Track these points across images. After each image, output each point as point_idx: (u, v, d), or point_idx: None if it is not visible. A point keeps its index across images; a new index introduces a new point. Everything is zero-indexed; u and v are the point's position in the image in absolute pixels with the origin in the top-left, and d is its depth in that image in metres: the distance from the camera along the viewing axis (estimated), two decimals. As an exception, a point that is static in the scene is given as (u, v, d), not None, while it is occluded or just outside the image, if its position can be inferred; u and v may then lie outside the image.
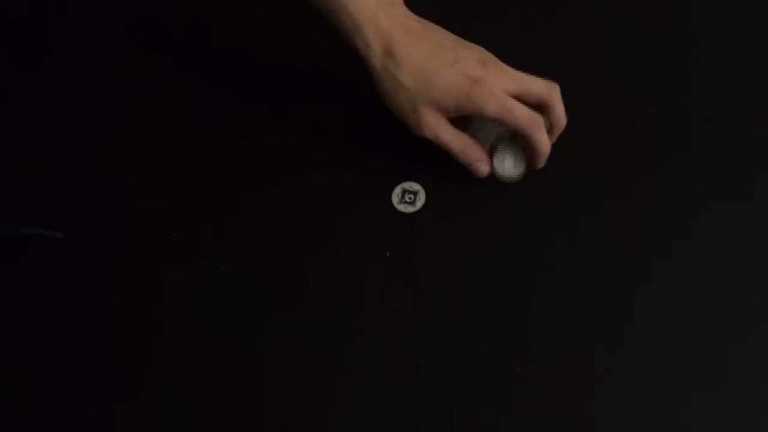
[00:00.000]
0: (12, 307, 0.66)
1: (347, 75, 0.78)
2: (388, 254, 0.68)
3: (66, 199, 0.71)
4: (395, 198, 0.71)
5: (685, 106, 0.77)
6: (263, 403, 0.62)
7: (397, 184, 0.71)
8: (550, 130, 0.69)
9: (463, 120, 0.69)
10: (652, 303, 0.66)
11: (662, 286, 0.67)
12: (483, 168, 0.70)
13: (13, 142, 0.74)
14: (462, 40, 0.70)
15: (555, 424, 0.61)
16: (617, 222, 0.70)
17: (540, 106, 0.68)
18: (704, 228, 0.70)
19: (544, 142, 0.68)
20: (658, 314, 0.66)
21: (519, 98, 0.67)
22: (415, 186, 0.71)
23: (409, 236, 0.69)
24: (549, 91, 0.68)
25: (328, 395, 0.62)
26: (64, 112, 0.76)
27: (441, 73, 0.66)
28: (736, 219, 0.70)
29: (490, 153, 0.70)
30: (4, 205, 0.71)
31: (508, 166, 0.70)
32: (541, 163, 0.70)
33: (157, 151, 0.73)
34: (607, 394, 0.62)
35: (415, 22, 0.69)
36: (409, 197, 0.71)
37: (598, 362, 0.63)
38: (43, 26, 0.82)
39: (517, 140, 0.70)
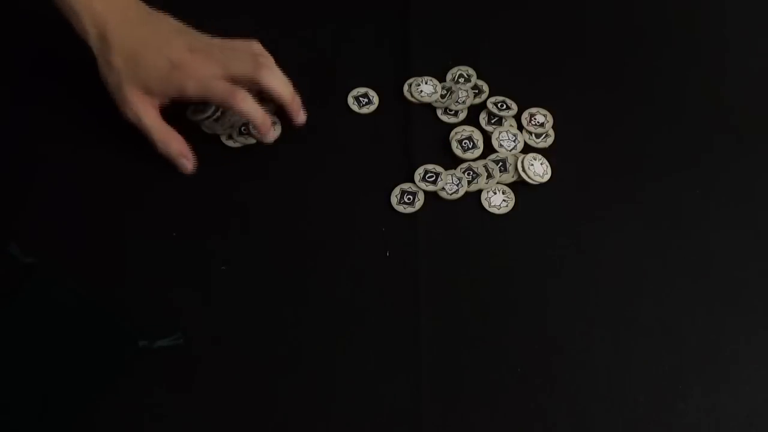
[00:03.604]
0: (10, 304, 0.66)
1: (344, 74, 0.78)
2: (388, 254, 0.68)
3: (66, 198, 0.71)
4: (394, 199, 0.71)
5: (686, 108, 0.78)
6: (263, 403, 0.61)
7: (397, 185, 0.72)
8: (283, 108, 0.72)
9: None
10: (652, 303, 0.66)
11: (662, 287, 0.67)
12: (187, 165, 0.71)
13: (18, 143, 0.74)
14: (184, 29, 0.72)
15: (554, 424, 0.61)
16: (618, 223, 0.70)
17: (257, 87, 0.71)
18: (704, 229, 0.70)
19: (250, 111, 0.69)
20: (658, 314, 0.66)
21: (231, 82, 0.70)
22: (413, 187, 0.71)
23: (409, 236, 0.69)
24: (254, 69, 0.70)
25: (329, 395, 0.62)
26: (61, 112, 0.76)
27: (147, 55, 0.69)
28: (737, 220, 0.71)
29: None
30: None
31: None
32: (265, 132, 0.71)
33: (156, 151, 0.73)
34: (607, 394, 0.62)
35: (136, 11, 0.71)
36: (408, 198, 0.71)
37: (598, 362, 0.63)
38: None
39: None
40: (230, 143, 0.73)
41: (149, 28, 0.71)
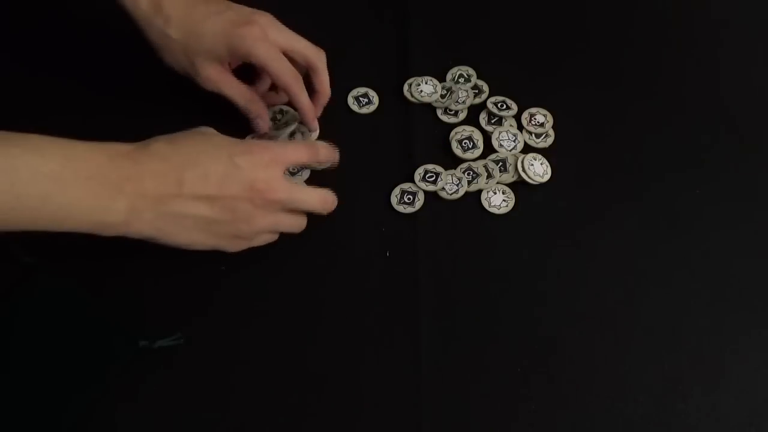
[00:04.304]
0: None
1: (344, 74, 0.78)
2: (388, 254, 0.68)
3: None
4: (394, 199, 0.71)
5: (686, 108, 0.78)
6: (263, 403, 0.61)
7: (397, 185, 0.72)
8: (315, 97, 0.73)
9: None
10: (652, 303, 0.66)
11: (662, 287, 0.67)
12: (262, 124, 0.72)
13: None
14: None
15: (555, 424, 0.61)
16: (618, 223, 0.70)
17: (307, 68, 0.72)
18: (704, 229, 0.70)
19: (306, 101, 0.71)
20: (658, 314, 0.66)
21: (286, 54, 0.70)
22: (413, 187, 0.71)
23: (409, 236, 0.69)
24: (317, 53, 0.72)
25: (328, 394, 0.62)
26: (61, 111, 0.76)
27: (208, 21, 0.67)
28: (737, 220, 0.71)
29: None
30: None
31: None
32: (312, 123, 0.72)
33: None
34: (607, 394, 0.62)
35: None
36: (408, 198, 0.71)
37: (598, 362, 0.63)
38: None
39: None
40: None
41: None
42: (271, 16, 0.71)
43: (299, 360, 0.63)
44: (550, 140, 0.75)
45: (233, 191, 0.60)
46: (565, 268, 0.68)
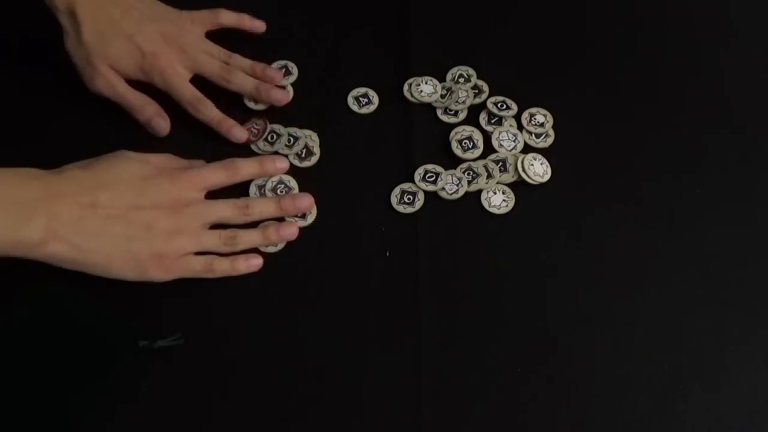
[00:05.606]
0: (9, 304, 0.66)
1: (344, 74, 0.78)
2: (388, 254, 0.68)
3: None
4: (394, 199, 0.71)
5: (686, 108, 0.78)
6: (263, 403, 0.61)
7: (397, 185, 0.72)
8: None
9: None
10: (652, 303, 0.66)
11: (662, 287, 0.67)
12: (163, 123, 0.72)
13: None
14: (159, 11, 0.74)
15: (555, 424, 0.61)
16: (618, 223, 0.70)
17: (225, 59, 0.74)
18: (704, 229, 0.70)
19: (213, 116, 0.72)
20: (658, 314, 0.66)
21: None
22: (413, 187, 0.71)
23: (409, 236, 0.69)
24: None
25: (328, 394, 0.62)
26: (58, 111, 0.76)
27: (116, 40, 0.70)
28: (737, 220, 0.71)
29: None
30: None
31: None
32: (228, 133, 0.72)
33: (156, 149, 0.73)
34: (607, 394, 0.62)
35: None
36: (408, 198, 0.71)
37: (598, 362, 0.64)
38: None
39: None
40: (251, 105, 0.75)
41: (121, 8, 0.71)
42: (184, 37, 0.72)
43: (299, 360, 0.63)
44: (550, 140, 0.75)
45: (146, 207, 0.62)
46: (565, 268, 0.68)
